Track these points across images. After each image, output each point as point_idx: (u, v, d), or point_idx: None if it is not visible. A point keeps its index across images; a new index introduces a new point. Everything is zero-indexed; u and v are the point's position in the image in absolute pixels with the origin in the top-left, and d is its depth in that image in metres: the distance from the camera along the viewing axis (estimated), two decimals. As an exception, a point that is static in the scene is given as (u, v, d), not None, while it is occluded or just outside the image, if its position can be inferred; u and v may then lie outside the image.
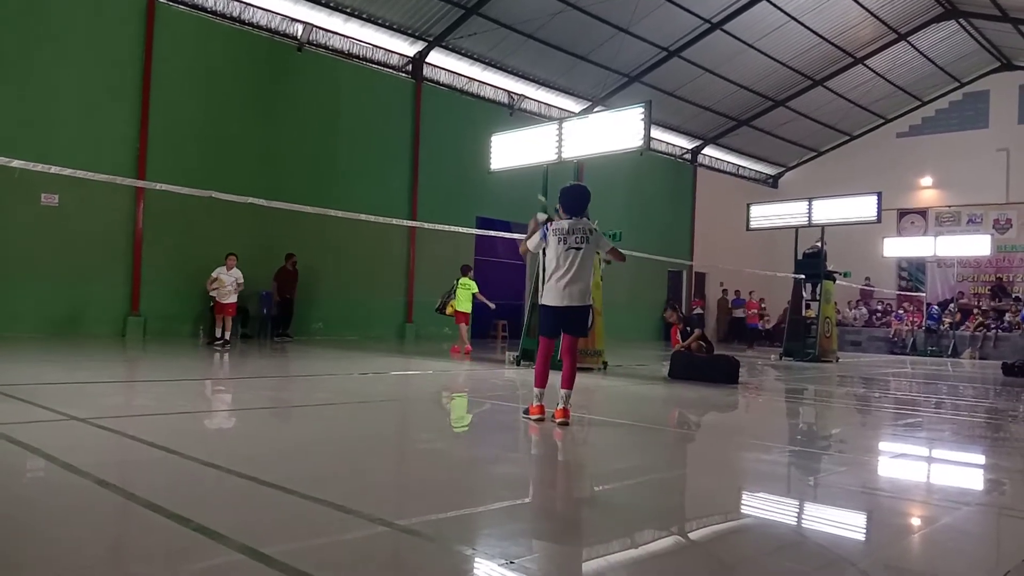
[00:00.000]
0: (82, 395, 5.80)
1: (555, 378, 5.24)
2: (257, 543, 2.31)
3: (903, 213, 24.94)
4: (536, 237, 5.34)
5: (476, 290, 13.09)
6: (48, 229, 11.99)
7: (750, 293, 22.07)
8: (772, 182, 28.05)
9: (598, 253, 5.68)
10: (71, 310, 12.24)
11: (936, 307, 22.54)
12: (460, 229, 13.38)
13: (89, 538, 2.48)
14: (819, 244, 15.94)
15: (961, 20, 20.80)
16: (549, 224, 5.31)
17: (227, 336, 11.94)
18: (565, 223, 5.23)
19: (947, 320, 21.80)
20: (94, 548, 2.41)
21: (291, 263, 14.25)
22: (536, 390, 5.24)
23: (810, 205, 15.88)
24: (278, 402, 6.09)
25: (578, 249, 5.13)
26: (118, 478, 3.14)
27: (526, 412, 5.30)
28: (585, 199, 5.39)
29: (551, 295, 5.20)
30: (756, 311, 21.95)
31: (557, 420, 5.00)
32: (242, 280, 12.15)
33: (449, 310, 13.02)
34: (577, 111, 19.69)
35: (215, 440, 4.21)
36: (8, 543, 2.35)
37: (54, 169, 8.23)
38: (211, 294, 12.07)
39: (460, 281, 13.04)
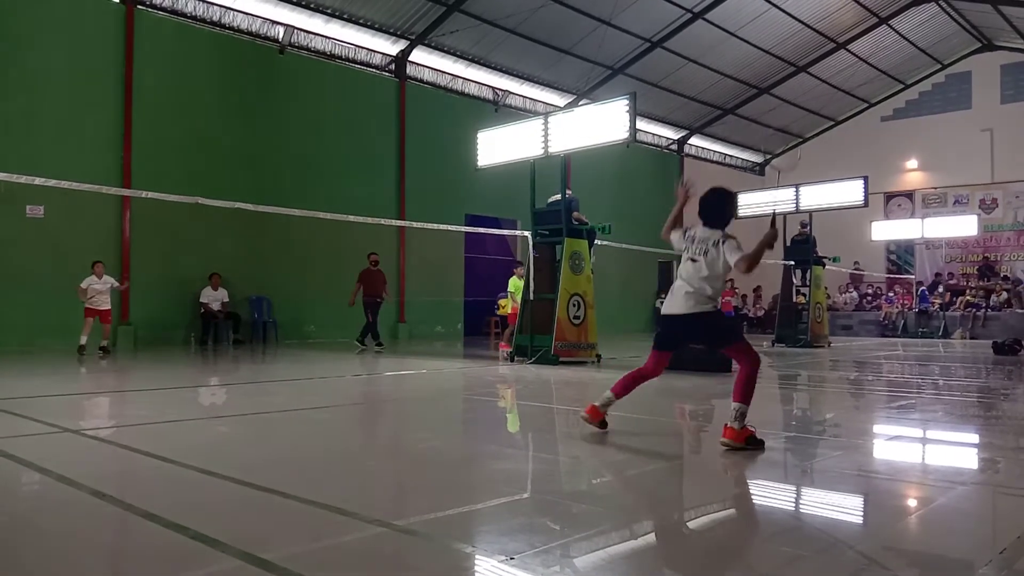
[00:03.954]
0: (74, 406, 5.77)
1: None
2: (256, 549, 2.31)
3: (890, 196, 25.05)
4: (677, 234, 4.64)
5: (513, 289, 12.32)
6: (35, 241, 11.91)
7: (726, 282, 22.02)
8: (759, 170, 28.12)
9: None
10: (60, 322, 12.15)
11: (926, 288, 22.68)
12: (449, 227, 13.36)
13: (87, 549, 2.47)
14: (804, 228, 15.99)
15: (941, 2, 20.89)
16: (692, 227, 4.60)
17: (105, 344, 11.11)
18: (696, 230, 4.54)
19: (936, 301, 21.92)
20: (93, 559, 2.40)
21: (373, 261, 13.46)
22: (608, 394, 4.56)
23: (797, 191, 15.93)
24: (272, 407, 6.08)
25: (694, 261, 4.42)
26: (114, 489, 3.13)
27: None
28: (718, 207, 4.60)
29: (667, 303, 4.58)
30: (730, 299, 21.91)
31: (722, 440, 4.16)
32: (117, 284, 11.30)
33: (502, 310, 12.68)
34: (562, 105, 19.70)
35: (210, 447, 4.20)
36: (6, 556, 2.33)
37: (38, 180, 8.17)
38: (87, 304, 10.94)
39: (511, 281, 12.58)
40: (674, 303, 4.43)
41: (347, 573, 2.25)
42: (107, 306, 11.08)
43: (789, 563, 2.40)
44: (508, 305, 12.56)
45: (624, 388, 4.58)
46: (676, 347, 4.70)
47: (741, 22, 19.30)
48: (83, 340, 10.75)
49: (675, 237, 4.63)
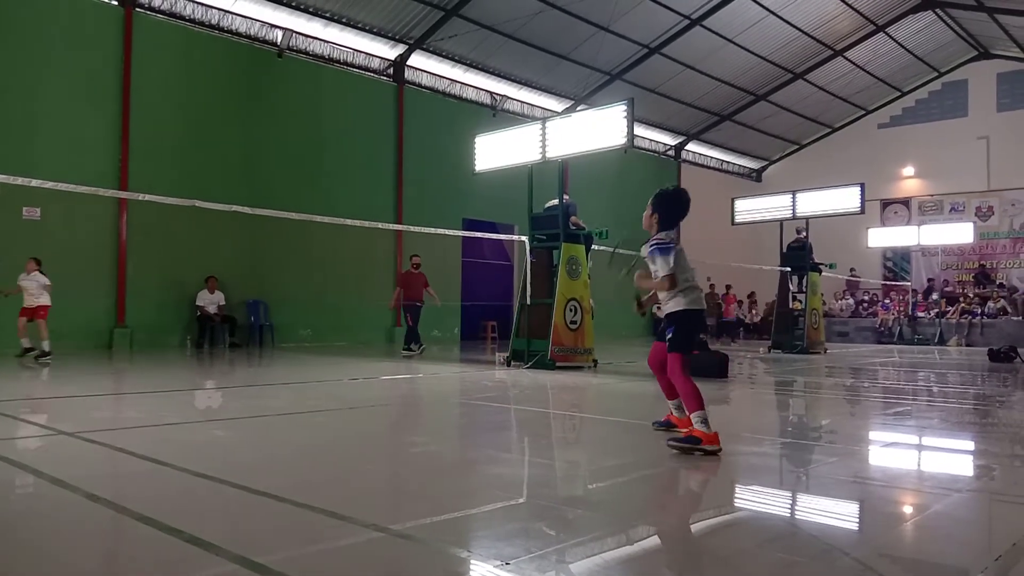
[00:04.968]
0: (70, 409, 5.75)
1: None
2: (251, 552, 2.30)
3: (886, 203, 25.12)
4: (668, 260, 4.31)
5: None
6: (31, 243, 11.86)
7: (727, 287, 22.26)
8: (756, 176, 28.19)
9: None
10: (56, 324, 12.08)
11: (917, 297, 22.70)
12: (446, 231, 13.36)
13: (81, 552, 2.46)
14: (800, 234, 16.02)
15: (938, 10, 20.97)
16: (668, 244, 4.36)
17: (44, 347, 10.06)
18: (673, 234, 4.49)
19: (933, 309, 21.96)
20: (87, 562, 2.39)
21: (415, 264, 13.06)
22: (702, 412, 4.15)
23: (794, 198, 15.97)
24: (267, 410, 6.06)
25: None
26: (109, 491, 3.12)
27: (697, 443, 4.11)
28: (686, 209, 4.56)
29: (699, 297, 4.40)
30: (732, 305, 22.37)
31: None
32: (48, 283, 10.31)
33: None
34: (560, 110, 19.73)
35: (205, 450, 4.19)
36: (-1, 561, 2.33)
37: (35, 182, 8.15)
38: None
39: None
40: (701, 300, 4.42)
41: (342, 577, 2.25)
42: (40, 303, 10.11)
43: (784, 569, 2.40)
44: None
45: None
46: None
47: (738, 29, 19.37)
48: (24, 343, 10.02)
49: (669, 261, 4.32)
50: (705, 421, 4.12)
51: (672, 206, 4.50)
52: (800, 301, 15.83)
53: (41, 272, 10.29)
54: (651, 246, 4.41)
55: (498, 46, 17.71)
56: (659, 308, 4.63)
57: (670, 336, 4.37)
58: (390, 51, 16.97)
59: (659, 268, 4.34)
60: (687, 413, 4.26)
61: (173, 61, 13.69)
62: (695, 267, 4.53)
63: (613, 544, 2.62)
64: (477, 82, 18.82)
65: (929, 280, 23.79)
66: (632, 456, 4.35)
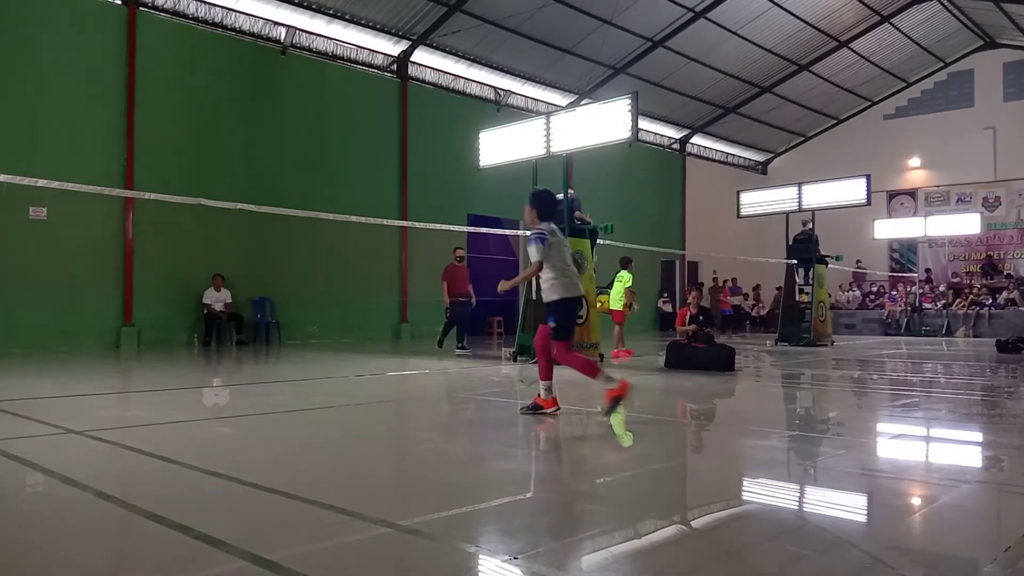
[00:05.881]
0: (78, 408, 5.77)
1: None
2: (261, 549, 2.31)
3: (892, 195, 25.03)
4: (541, 248, 5.08)
5: (630, 284, 11.75)
6: (38, 243, 11.92)
7: (729, 280, 22.18)
8: (761, 168, 28.10)
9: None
10: (64, 324, 12.18)
11: (918, 289, 22.61)
12: (451, 227, 13.36)
13: (92, 551, 2.47)
14: (806, 226, 15.97)
15: (943, 0, 20.85)
16: (543, 235, 5.09)
17: None
18: (550, 226, 5.19)
19: (940, 301, 21.88)
20: (97, 561, 2.40)
21: (458, 257, 12.57)
22: (549, 383, 5.29)
23: (800, 190, 15.90)
24: (275, 407, 6.08)
25: (568, 249, 5.30)
26: (118, 490, 3.14)
27: (537, 408, 5.25)
28: (556, 204, 5.49)
29: (575, 286, 5.18)
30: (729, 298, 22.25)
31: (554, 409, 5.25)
32: None
33: (602, 307, 11.54)
34: (564, 105, 19.68)
35: (214, 448, 4.21)
36: (9, 559, 2.34)
37: (41, 182, 8.18)
38: None
39: (618, 275, 11.91)
40: (577, 287, 5.15)
41: (351, 573, 2.25)
42: None
43: (793, 562, 2.40)
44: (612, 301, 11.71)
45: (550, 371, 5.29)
46: None
47: (743, 21, 19.30)
48: None
49: (543, 249, 5.04)
50: (610, 378, 4.93)
51: (546, 202, 5.23)
52: (807, 294, 15.79)
53: None
54: (530, 236, 5.11)
55: (501, 41, 17.67)
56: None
57: (552, 326, 5.12)
58: (393, 47, 16.95)
59: (532, 255, 5.07)
60: (602, 382, 4.97)
61: (177, 60, 13.70)
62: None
63: (621, 538, 2.62)
64: (481, 77, 18.79)
65: (927, 271, 23.70)
66: (639, 450, 4.35)
